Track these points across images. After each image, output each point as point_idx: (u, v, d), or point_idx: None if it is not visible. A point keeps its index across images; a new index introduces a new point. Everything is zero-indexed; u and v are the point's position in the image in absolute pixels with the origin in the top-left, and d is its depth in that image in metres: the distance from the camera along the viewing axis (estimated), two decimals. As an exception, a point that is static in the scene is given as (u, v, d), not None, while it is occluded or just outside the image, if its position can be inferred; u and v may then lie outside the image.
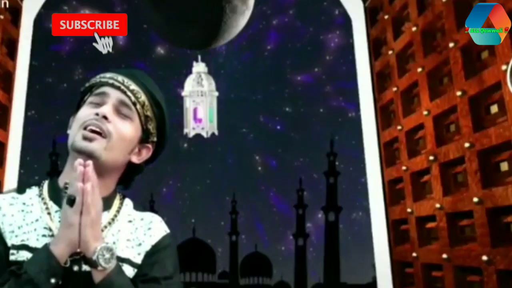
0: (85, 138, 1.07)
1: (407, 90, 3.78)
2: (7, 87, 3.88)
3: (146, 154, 1.19)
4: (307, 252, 11.71)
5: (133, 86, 1.14)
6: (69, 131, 1.15)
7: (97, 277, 1.01)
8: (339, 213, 11.78)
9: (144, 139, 1.17)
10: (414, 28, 3.61)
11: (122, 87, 1.13)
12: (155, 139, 1.19)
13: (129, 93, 1.13)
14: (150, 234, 1.16)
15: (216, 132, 8.89)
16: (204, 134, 8.81)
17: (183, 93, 9.00)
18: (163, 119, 1.19)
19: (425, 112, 3.44)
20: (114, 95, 1.13)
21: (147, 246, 1.14)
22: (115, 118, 1.11)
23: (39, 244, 1.05)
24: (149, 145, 1.19)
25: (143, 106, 1.14)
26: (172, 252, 1.18)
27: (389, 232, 3.89)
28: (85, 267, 1.05)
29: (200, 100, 8.95)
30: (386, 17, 4.06)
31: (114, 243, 1.11)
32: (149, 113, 1.16)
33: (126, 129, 1.12)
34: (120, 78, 1.14)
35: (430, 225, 3.47)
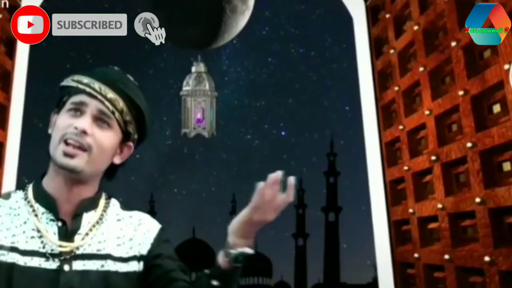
0: (66, 155, 1.06)
1: (408, 90, 3.76)
2: (5, 86, 3.87)
3: (127, 152, 1.19)
4: (307, 252, 11.72)
5: (110, 94, 1.11)
6: (50, 131, 1.13)
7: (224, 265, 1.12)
8: (339, 213, 11.80)
9: (124, 139, 1.16)
10: (416, 27, 3.59)
11: (100, 96, 1.10)
12: (135, 137, 1.19)
13: (107, 103, 1.11)
14: (144, 229, 1.17)
15: (215, 133, 8.89)
16: (206, 134, 8.78)
17: (182, 93, 8.98)
18: (143, 119, 1.18)
19: (427, 112, 3.42)
20: (92, 104, 1.10)
21: (140, 239, 1.15)
22: (94, 129, 1.09)
23: (28, 247, 1.05)
24: (130, 143, 1.18)
25: (121, 113, 1.12)
26: (172, 246, 1.23)
27: (391, 233, 3.87)
28: (76, 267, 1.06)
29: (202, 100, 8.93)
30: (387, 16, 4.04)
31: (104, 241, 1.12)
32: (128, 118, 1.14)
33: (106, 139, 1.11)
34: (97, 86, 1.11)
35: (432, 225, 3.45)
